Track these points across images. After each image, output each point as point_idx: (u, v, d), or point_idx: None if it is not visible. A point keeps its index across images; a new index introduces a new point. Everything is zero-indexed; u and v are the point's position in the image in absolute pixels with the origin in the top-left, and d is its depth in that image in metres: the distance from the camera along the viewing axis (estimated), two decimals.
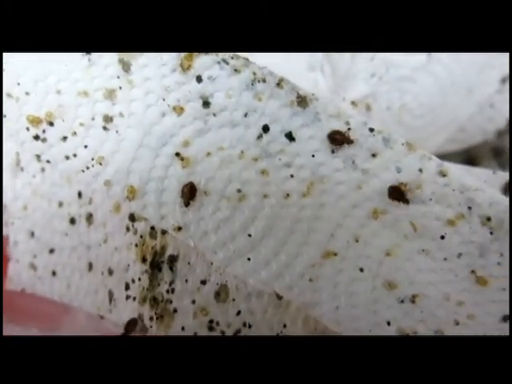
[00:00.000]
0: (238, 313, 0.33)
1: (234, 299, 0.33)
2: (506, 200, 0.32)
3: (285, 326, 0.33)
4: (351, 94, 0.38)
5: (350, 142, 0.31)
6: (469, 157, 0.50)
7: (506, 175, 0.37)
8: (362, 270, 0.32)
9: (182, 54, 0.31)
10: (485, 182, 0.36)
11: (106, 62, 0.31)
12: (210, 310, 0.33)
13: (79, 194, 0.35)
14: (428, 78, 0.42)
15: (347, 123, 0.31)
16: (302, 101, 0.31)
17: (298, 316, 0.33)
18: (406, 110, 0.42)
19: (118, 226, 0.34)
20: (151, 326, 0.33)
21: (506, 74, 0.44)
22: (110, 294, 0.34)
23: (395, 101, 0.42)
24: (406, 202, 0.31)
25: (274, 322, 0.33)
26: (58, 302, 0.41)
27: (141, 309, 0.33)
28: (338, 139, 0.31)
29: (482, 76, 0.43)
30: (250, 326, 0.33)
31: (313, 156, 0.31)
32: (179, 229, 0.31)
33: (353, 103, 0.37)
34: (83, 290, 0.36)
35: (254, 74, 0.31)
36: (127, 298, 0.34)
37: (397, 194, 0.31)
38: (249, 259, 0.31)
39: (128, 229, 0.33)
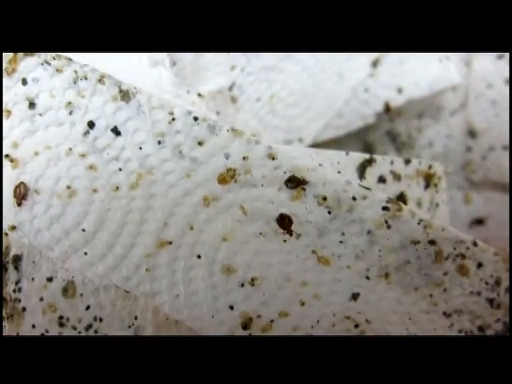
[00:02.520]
0: (88, 307, 0.33)
1: (81, 294, 0.33)
2: (342, 178, 0.33)
3: (136, 317, 0.33)
4: (205, 87, 0.39)
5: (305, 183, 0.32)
6: (366, 143, 0.51)
7: (359, 156, 0.37)
8: (199, 256, 0.32)
9: (7, 58, 0.32)
10: (338, 163, 0.37)
11: None
12: (59, 306, 0.33)
13: None
14: (295, 66, 0.43)
15: (171, 113, 0.32)
16: (125, 95, 0.32)
17: (147, 307, 0.33)
18: (278, 99, 0.43)
19: None
20: (5, 326, 0.33)
21: (376, 58, 0.44)
22: None
23: (264, 91, 0.42)
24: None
25: (124, 314, 0.33)
26: None
27: None
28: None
29: (352, 61, 0.44)
30: (100, 320, 0.33)
31: (140, 148, 0.32)
32: (13, 228, 0.32)
33: (200, 95, 0.38)
34: None
35: (76, 72, 0.32)
36: None
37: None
38: (85, 253, 0.32)
39: None
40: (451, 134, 0.48)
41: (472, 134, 0.47)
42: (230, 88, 0.41)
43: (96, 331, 0.33)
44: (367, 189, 0.33)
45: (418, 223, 0.33)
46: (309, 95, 0.43)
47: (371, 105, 0.45)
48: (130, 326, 0.34)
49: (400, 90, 0.45)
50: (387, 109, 0.45)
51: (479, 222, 0.47)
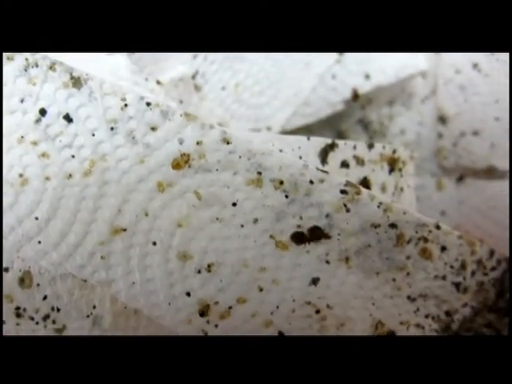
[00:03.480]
0: (45, 297, 0.33)
1: (38, 284, 0.33)
2: (299, 162, 0.33)
3: (94, 307, 0.33)
4: (165, 75, 0.38)
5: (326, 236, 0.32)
6: (338, 132, 0.51)
7: (321, 140, 0.37)
8: (154, 243, 0.32)
9: None
10: (299, 148, 0.37)
11: None
12: (16, 297, 0.33)
13: None
14: (258, 55, 0.42)
15: (123, 99, 0.31)
16: (76, 81, 0.31)
17: (105, 296, 0.33)
18: (243, 88, 0.43)
19: None
20: None
21: None
22: None
23: (228, 80, 0.42)
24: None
25: (82, 303, 0.33)
26: None
27: None
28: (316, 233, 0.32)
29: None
30: (58, 310, 0.33)
31: (93, 135, 0.31)
32: None
33: (158, 83, 0.38)
34: None
35: (27, 59, 0.31)
36: None
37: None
38: (39, 242, 0.32)
39: None
40: (423, 121, 0.48)
41: (443, 120, 0.47)
42: (193, 76, 0.40)
43: (54, 321, 0.33)
44: (325, 172, 0.32)
45: (378, 206, 0.33)
46: (274, 84, 0.43)
47: (339, 92, 0.44)
48: (88, 316, 0.33)
49: (367, 77, 0.44)
50: (355, 96, 0.44)
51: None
